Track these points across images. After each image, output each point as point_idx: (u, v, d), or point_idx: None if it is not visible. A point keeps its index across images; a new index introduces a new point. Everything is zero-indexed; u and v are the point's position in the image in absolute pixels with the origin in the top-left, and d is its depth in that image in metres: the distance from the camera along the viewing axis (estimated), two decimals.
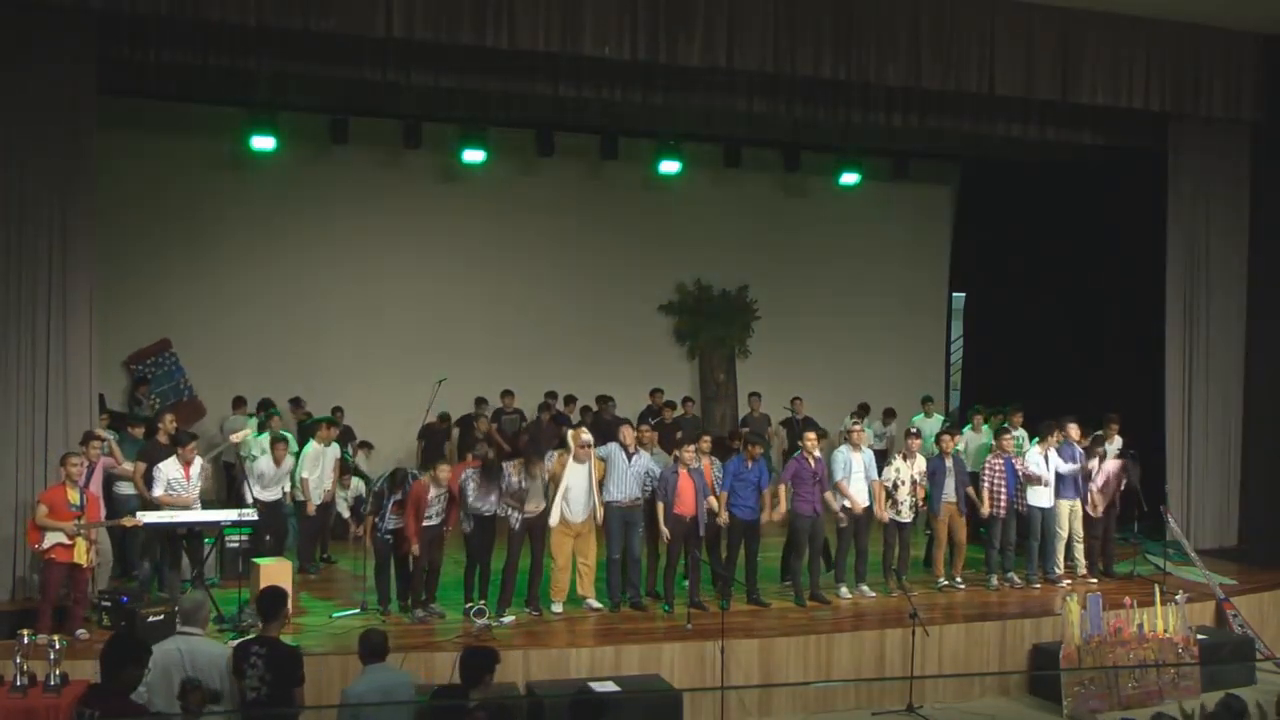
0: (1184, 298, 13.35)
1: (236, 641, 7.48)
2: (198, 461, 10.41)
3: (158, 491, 10.15)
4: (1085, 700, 9.68)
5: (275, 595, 7.01)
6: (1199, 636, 10.58)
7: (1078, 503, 11.93)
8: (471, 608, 9.91)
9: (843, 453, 11.23)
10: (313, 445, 11.80)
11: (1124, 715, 9.18)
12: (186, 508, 10.23)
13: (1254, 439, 13.49)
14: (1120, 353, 14.99)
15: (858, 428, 11.52)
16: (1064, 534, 11.89)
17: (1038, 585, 11.62)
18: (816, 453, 10.93)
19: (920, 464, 11.41)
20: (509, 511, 10.12)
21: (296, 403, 14.51)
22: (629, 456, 10.48)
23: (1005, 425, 12.47)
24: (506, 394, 15.47)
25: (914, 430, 11.91)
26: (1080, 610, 9.93)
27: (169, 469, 10.21)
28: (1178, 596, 10.53)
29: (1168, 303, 13.33)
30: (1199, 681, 10.16)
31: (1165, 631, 10.28)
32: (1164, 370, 13.36)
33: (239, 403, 14.44)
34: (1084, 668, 9.77)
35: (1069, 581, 11.71)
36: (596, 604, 10.48)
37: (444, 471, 10.03)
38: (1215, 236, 13.39)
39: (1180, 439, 13.29)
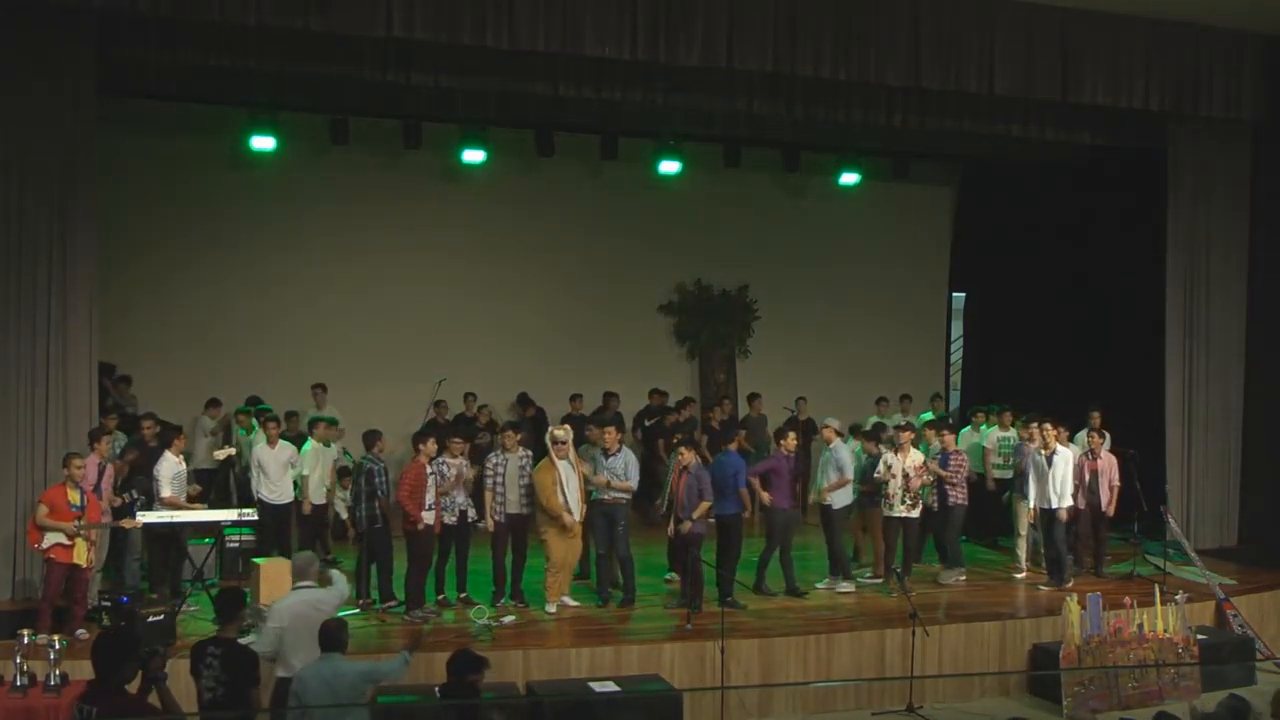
0: (1184, 297, 13.33)
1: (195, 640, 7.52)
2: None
3: (166, 492, 10.14)
4: (1085, 700, 9.68)
5: (233, 595, 7.07)
6: (1199, 636, 10.58)
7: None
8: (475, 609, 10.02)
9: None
10: (311, 444, 11.79)
11: (1124, 715, 9.19)
12: (191, 504, 10.27)
13: (1254, 439, 13.47)
14: (1120, 353, 14.97)
15: (829, 426, 11.56)
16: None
17: (1042, 586, 11.62)
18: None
19: (915, 458, 11.43)
20: (494, 501, 10.31)
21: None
22: (607, 456, 10.63)
23: (946, 418, 12.65)
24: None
25: (905, 424, 11.96)
26: (1080, 610, 9.93)
27: (169, 467, 10.18)
28: (1178, 596, 10.52)
29: (1168, 302, 13.32)
30: (1199, 681, 10.16)
31: (1165, 631, 10.28)
32: (1164, 370, 13.35)
33: (212, 404, 13.88)
34: (1084, 668, 9.77)
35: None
36: (572, 601, 10.58)
37: (429, 445, 10.26)
38: (1215, 236, 13.37)
39: (1180, 439, 13.28)
